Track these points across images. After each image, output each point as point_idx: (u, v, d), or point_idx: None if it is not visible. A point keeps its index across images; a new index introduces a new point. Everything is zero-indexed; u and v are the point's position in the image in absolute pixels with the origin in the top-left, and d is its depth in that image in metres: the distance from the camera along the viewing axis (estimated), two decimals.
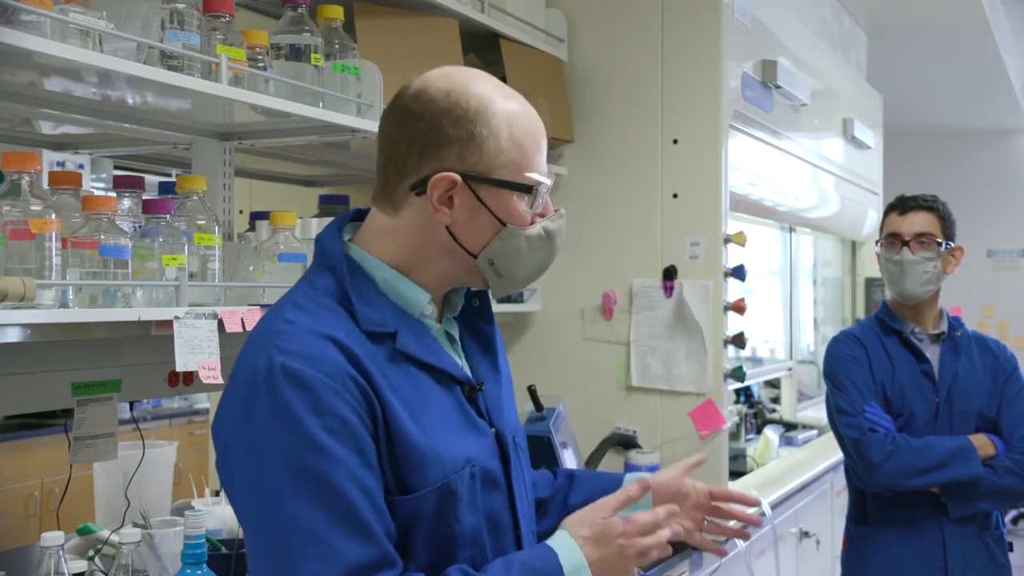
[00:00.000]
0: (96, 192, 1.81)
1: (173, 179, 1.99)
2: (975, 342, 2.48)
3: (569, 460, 2.30)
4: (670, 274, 2.74)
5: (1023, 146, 7.88)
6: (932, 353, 2.43)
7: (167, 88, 1.60)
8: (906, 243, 2.38)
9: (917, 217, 2.39)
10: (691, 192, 2.70)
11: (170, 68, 1.58)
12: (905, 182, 4.56)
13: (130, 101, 1.79)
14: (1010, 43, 6.00)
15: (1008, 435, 2.36)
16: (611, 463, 2.69)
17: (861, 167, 4.11)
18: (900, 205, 2.46)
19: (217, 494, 2.21)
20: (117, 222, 1.59)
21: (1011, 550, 2.51)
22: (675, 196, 2.74)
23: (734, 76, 2.76)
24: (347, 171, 2.80)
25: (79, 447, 1.84)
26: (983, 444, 2.31)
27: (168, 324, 1.60)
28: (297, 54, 1.88)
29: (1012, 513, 7.27)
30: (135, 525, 1.83)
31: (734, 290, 2.74)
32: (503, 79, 2.72)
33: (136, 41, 1.55)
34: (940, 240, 2.40)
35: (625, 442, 2.73)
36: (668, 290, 2.73)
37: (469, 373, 1.30)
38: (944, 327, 2.46)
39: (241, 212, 2.47)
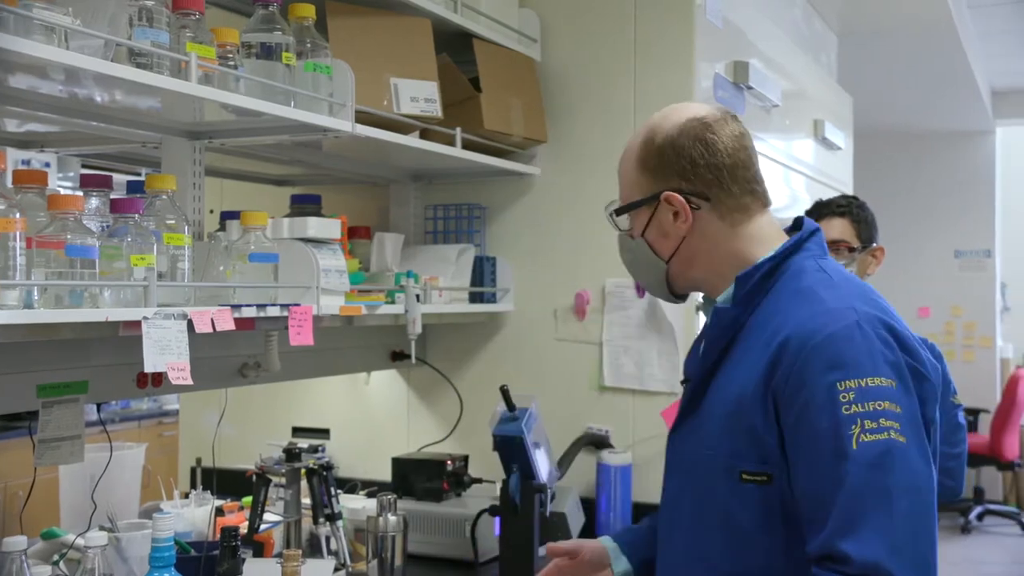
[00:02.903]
0: (63, 191, 1.79)
1: (142, 178, 1.96)
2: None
3: (541, 460, 2.30)
4: None
5: (989, 148, 7.97)
6: None
7: (136, 86, 1.58)
8: None
9: (831, 223, 2.40)
10: None
11: (139, 66, 1.56)
12: (874, 183, 4.62)
13: (98, 99, 1.77)
14: (976, 46, 6.08)
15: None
16: (584, 463, 2.69)
17: (831, 168, 4.14)
18: (815, 212, 2.46)
19: (186, 496, 2.19)
20: (84, 221, 1.57)
21: None
22: None
23: (706, 77, 2.77)
24: (319, 171, 2.78)
25: (44, 450, 1.81)
26: None
27: (136, 325, 1.58)
28: (268, 53, 1.86)
29: (977, 509, 7.38)
30: (101, 528, 1.81)
31: None
32: (475, 79, 2.73)
33: (103, 38, 1.53)
34: (854, 246, 2.41)
35: (597, 442, 2.73)
36: (640, 290, 2.74)
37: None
38: None
39: (212, 212, 2.44)
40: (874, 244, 2.48)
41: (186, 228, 1.76)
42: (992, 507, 7.52)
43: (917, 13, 4.74)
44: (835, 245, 2.39)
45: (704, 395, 1.46)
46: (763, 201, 1.50)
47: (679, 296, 1.56)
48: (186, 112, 1.93)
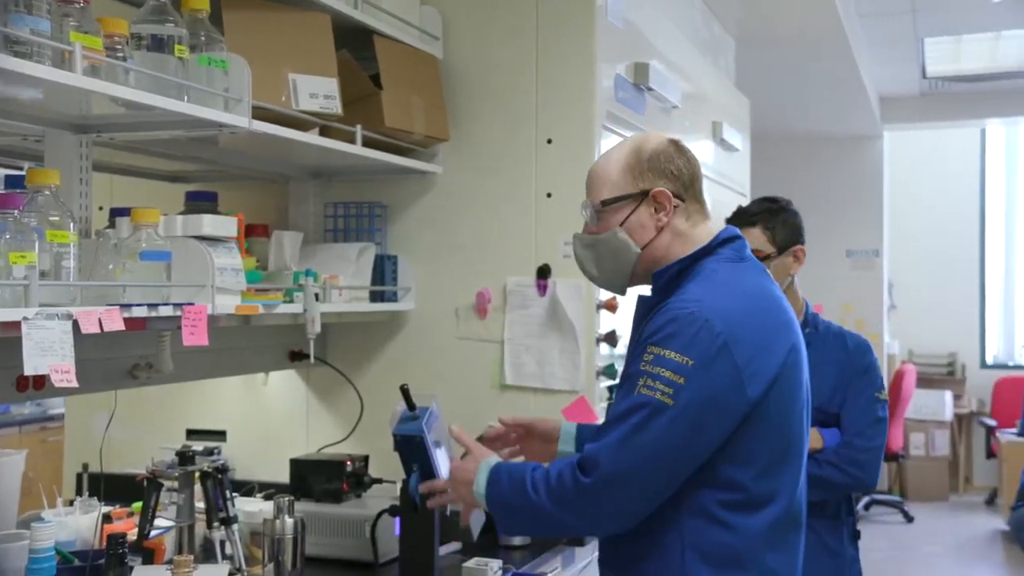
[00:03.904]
0: None
1: (23, 173, 1.88)
2: (831, 337, 2.51)
3: (442, 459, 2.29)
4: (544, 273, 2.76)
5: (878, 152, 8.27)
6: None
7: (14, 76, 1.51)
8: None
9: (747, 233, 2.40)
10: (565, 192, 2.72)
11: (16, 55, 1.49)
12: (770, 185, 4.73)
13: None
14: (866, 55, 6.31)
15: (844, 431, 2.40)
16: None
17: (730, 169, 4.24)
18: (734, 219, 2.49)
19: (71, 503, 2.11)
20: None
21: (857, 538, 2.58)
22: (549, 195, 2.76)
23: (607, 77, 2.80)
24: (215, 167, 2.72)
25: None
26: (812, 438, 2.25)
27: (16, 326, 1.52)
28: (159, 45, 1.81)
29: (865, 499, 7.67)
30: None
31: None
32: (376, 76, 2.70)
33: None
34: (767, 253, 2.44)
35: None
36: (542, 289, 2.75)
37: None
38: (800, 324, 2.50)
39: (101, 208, 2.36)
40: (795, 246, 2.49)
41: (71, 225, 1.70)
42: (879, 497, 7.82)
43: (810, 21, 4.90)
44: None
45: None
46: (707, 211, 1.86)
47: (627, 288, 1.88)
48: (71, 105, 1.86)
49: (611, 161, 1.85)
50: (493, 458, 1.85)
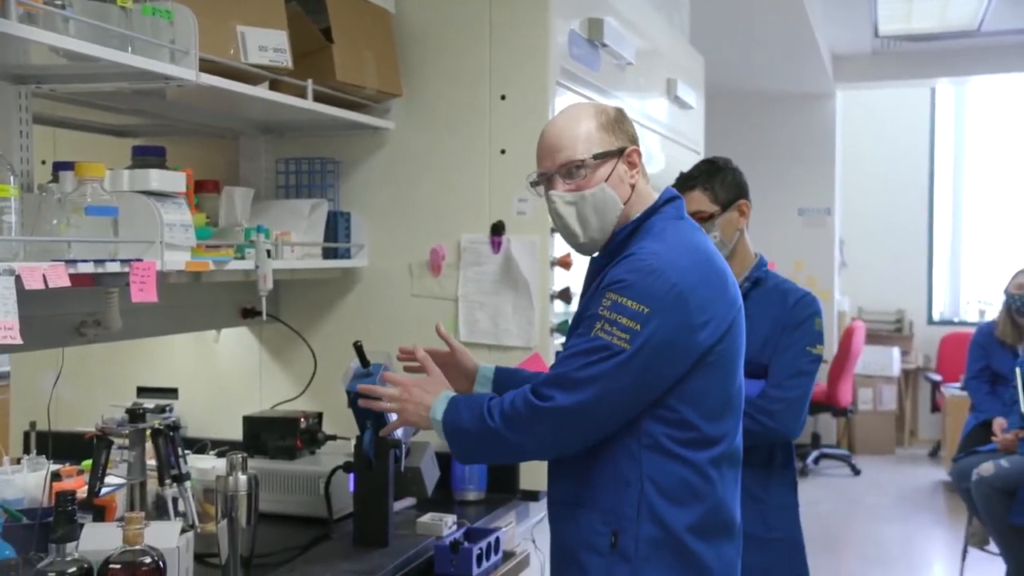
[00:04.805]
0: None
1: None
2: (776, 292, 2.52)
3: (393, 415, 2.30)
4: (498, 230, 2.75)
5: (830, 110, 8.34)
6: None
7: None
8: None
9: (688, 197, 2.45)
10: (519, 148, 2.71)
11: None
12: (724, 143, 4.76)
13: None
14: (819, 13, 6.33)
15: (767, 382, 2.42)
16: None
17: (684, 127, 4.25)
18: (678, 184, 2.52)
19: (18, 461, 2.08)
20: None
21: (793, 488, 2.59)
22: (503, 152, 2.75)
23: (561, 33, 2.79)
24: (163, 121, 2.66)
25: None
26: None
27: None
28: None
29: (814, 453, 7.84)
30: None
31: (560, 245, 2.78)
32: (327, 30, 2.66)
33: None
34: (710, 212, 2.49)
35: None
36: (496, 246, 2.75)
37: None
38: (744, 276, 2.52)
39: (44, 163, 2.31)
40: (738, 201, 2.54)
41: (11, 179, 1.66)
42: (827, 451, 8.00)
43: None
44: (695, 217, 2.45)
45: None
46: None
47: (601, 245, 1.92)
48: (8, 54, 1.80)
49: (580, 121, 1.89)
50: (451, 391, 1.93)
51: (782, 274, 2.67)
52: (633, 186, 1.90)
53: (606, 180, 1.87)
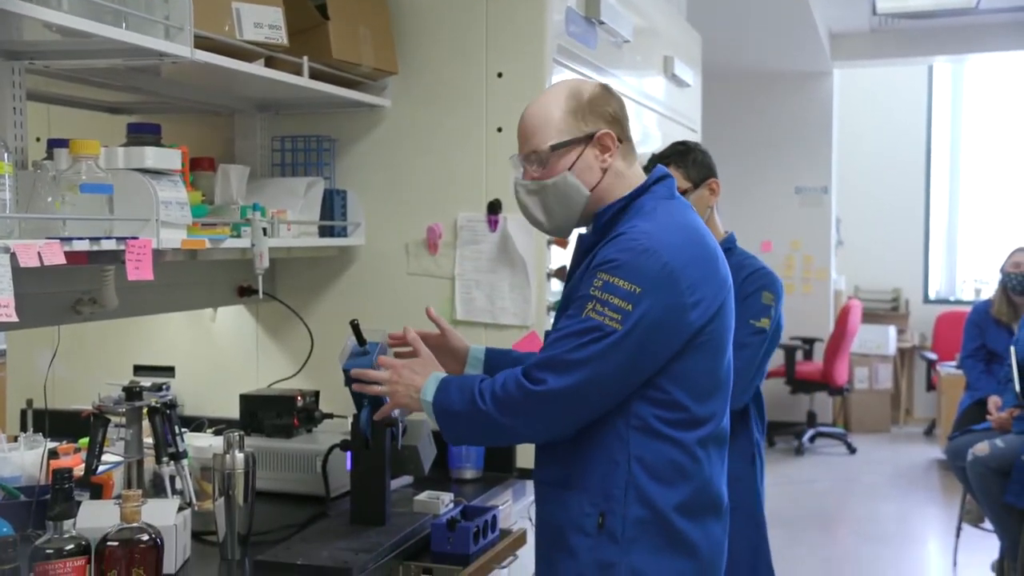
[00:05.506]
0: None
1: None
2: (735, 268, 2.54)
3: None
4: (495, 208, 2.75)
5: (828, 89, 8.31)
6: None
7: None
8: None
9: None
10: (515, 126, 2.67)
11: None
12: (721, 121, 4.76)
13: None
14: None
15: None
16: None
17: (681, 105, 4.23)
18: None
19: (15, 439, 2.08)
20: None
21: (753, 462, 2.60)
22: (499, 130, 2.74)
23: (558, 11, 2.77)
24: (159, 99, 2.65)
25: None
26: None
27: None
28: None
29: (809, 432, 7.87)
30: None
31: None
32: (322, 7, 2.64)
33: None
34: (684, 188, 2.61)
35: None
36: (493, 224, 2.75)
37: None
38: None
39: (38, 140, 2.30)
40: (709, 179, 2.69)
41: (5, 156, 1.65)
42: (823, 430, 8.03)
43: None
44: None
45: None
46: (635, 152, 1.95)
47: (571, 230, 1.93)
48: (0, 29, 1.79)
49: (550, 107, 1.88)
50: (442, 372, 1.93)
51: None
52: (605, 170, 1.86)
53: (571, 168, 1.85)
